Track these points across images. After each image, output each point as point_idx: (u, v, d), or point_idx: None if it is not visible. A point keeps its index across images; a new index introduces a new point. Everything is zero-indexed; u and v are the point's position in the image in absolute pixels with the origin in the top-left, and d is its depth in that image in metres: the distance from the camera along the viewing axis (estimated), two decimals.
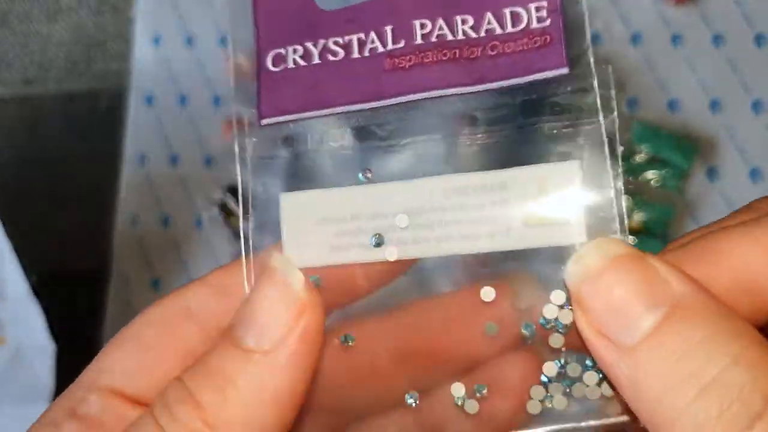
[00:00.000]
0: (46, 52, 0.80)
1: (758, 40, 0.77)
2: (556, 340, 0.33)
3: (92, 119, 0.79)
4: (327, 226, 0.34)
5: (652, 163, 0.79)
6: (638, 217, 0.81)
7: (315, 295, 0.31)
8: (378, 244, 0.35)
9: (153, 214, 0.79)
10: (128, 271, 0.77)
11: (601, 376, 0.33)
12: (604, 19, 0.80)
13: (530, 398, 0.33)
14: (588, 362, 0.33)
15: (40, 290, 0.71)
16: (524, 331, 0.34)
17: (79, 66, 0.79)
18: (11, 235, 0.72)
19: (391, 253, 0.35)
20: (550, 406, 0.33)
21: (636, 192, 0.80)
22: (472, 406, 0.34)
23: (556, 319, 0.33)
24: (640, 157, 0.80)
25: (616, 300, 0.27)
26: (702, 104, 0.78)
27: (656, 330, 0.26)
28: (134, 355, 0.32)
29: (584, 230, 0.33)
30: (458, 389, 0.34)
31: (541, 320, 0.33)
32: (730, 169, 0.77)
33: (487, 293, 0.34)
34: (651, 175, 0.80)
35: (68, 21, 0.80)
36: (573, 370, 0.33)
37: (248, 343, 0.29)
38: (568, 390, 0.33)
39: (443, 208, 0.35)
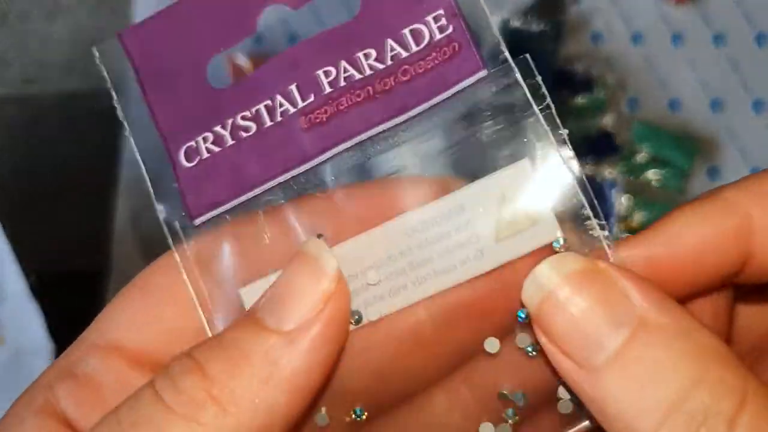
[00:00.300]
0: (46, 51, 0.80)
1: (759, 39, 0.76)
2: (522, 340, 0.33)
3: (92, 119, 0.80)
4: None
5: (652, 162, 0.79)
6: (639, 216, 0.81)
7: (344, 283, 0.30)
8: (358, 321, 0.34)
9: (153, 213, 0.79)
10: (128, 271, 0.77)
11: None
12: (605, 19, 0.79)
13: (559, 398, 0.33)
14: None
15: (40, 290, 0.71)
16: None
17: (78, 66, 0.79)
18: (11, 235, 0.73)
19: (372, 314, 0.34)
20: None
21: (637, 191, 0.80)
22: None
23: None
24: (641, 157, 0.79)
25: (577, 319, 0.27)
26: (703, 104, 0.77)
27: (620, 353, 0.26)
28: (139, 303, 0.31)
29: (556, 225, 0.33)
30: (524, 339, 0.33)
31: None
32: (731, 169, 0.76)
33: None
34: (652, 175, 0.79)
35: (67, 21, 0.80)
36: None
37: (270, 323, 0.28)
38: None
39: (409, 249, 0.34)
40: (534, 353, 0.33)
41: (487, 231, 0.34)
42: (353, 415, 0.35)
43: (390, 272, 0.34)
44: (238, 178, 0.34)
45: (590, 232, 0.32)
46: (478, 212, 0.34)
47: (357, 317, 0.34)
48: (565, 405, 0.33)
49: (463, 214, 0.34)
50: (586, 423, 0.33)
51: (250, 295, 0.35)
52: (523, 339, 0.33)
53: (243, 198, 0.34)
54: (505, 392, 0.34)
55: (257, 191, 0.34)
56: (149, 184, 0.35)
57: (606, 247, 0.32)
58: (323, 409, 0.34)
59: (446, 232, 0.34)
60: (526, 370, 0.33)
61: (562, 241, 0.33)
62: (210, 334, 0.35)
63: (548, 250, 0.33)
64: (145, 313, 0.32)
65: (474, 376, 0.34)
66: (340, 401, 0.35)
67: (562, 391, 0.33)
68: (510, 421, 0.34)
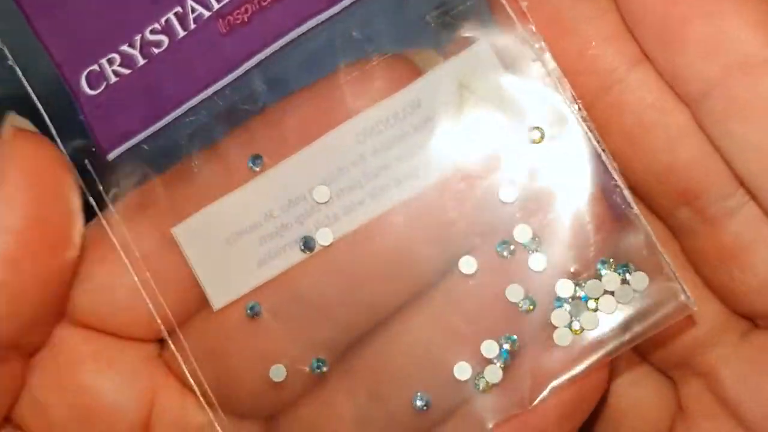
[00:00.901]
0: None
1: None
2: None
3: None
4: (241, 241, 0.30)
5: None
6: None
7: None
8: (307, 246, 0.29)
9: None
10: None
11: (623, 270, 0.28)
12: None
13: (555, 327, 0.29)
14: (601, 269, 0.28)
15: None
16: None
17: None
18: None
19: (325, 237, 0.29)
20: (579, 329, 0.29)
21: None
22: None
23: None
24: None
25: None
26: None
27: None
28: None
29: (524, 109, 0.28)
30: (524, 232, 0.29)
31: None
32: None
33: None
34: None
35: None
36: (590, 288, 0.29)
37: None
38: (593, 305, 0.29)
39: (362, 158, 0.29)
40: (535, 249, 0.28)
41: (449, 126, 0.28)
42: (312, 368, 0.30)
43: (342, 187, 0.29)
44: (154, 101, 0.30)
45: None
46: (436, 106, 0.28)
47: (307, 244, 0.29)
48: (562, 334, 0.28)
49: (419, 109, 0.29)
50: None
51: (185, 234, 0.30)
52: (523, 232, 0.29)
53: (161, 123, 0.30)
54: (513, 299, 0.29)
55: (177, 113, 0.30)
56: (48, 121, 0.30)
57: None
58: (282, 364, 0.30)
59: (402, 133, 0.29)
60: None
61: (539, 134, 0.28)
62: (143, 292, 0.30)
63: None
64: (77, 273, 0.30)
65: (455, 292, 0.29)
66: (300, 350, 0.30)
67: (556, 316, 0.28)
68: (499, 363, 0.29)
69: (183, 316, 0.31)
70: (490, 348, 0.29)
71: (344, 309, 0.30)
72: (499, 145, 0.29)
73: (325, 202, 0.29)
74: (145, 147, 0.30)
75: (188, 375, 0.30)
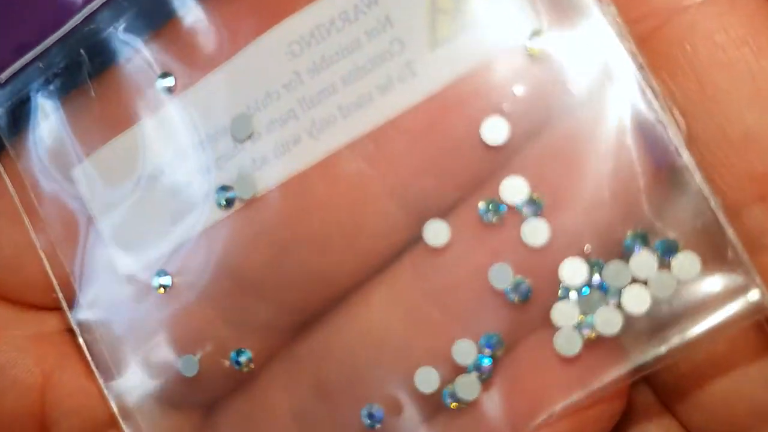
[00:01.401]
0: None
1: None
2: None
3: None
4: (151, 189, 0.23)
5: None
6: None
7: None
8: (226, 200, 0.22)
9: None
10: None
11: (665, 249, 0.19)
12: None
13: (557, 328, 0.20)
14: (631, 246, 0.19)
15: None
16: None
17: None
18: None
19: (246, 187, 0.22)
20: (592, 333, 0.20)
21: None
22: None
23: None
24: None
25: None
26: None
27: None
28: None
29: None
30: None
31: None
32: None
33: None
34: None
35: None
36: (612, 273, 0.19)
37: None
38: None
39: (299, 78, 0.21)
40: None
41: (417, 33, 0.20)
42: (232, 361, 0.22)
43: (272, 119, 0.21)
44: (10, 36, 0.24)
45: None
46: (400, 4, 0.20)
47: (225, 197, 0.22)
48: (567, 338, 0.19)
49: (375, 7, 0.20)
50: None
51: (85, 178, 0.23)
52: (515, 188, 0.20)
53: (27, 57, 0.24)
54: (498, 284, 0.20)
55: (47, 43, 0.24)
56: None
57: None
58: (195, 355, 0.22)
59: (353, 42, 0.20)
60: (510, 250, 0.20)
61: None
62: (39, 246, 0.24)
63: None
64: None
65: (422, 269, 0.21)
66: (222, 337, 0.23)
67: (559, 312, 0.19)
68: (478, 373, 0.20)
69: (87, 282, 0.24)
70: (464, 351, 0.20)
71: (280, 285, 0.22)
72: (483, 60, 0.20)
73: (248, 139, 0.21)
74: (40, 65, 0.23)
75: (88, 354, 0.24)
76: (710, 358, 0.22)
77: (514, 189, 0.19)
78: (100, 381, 0.24)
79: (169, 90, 0.22)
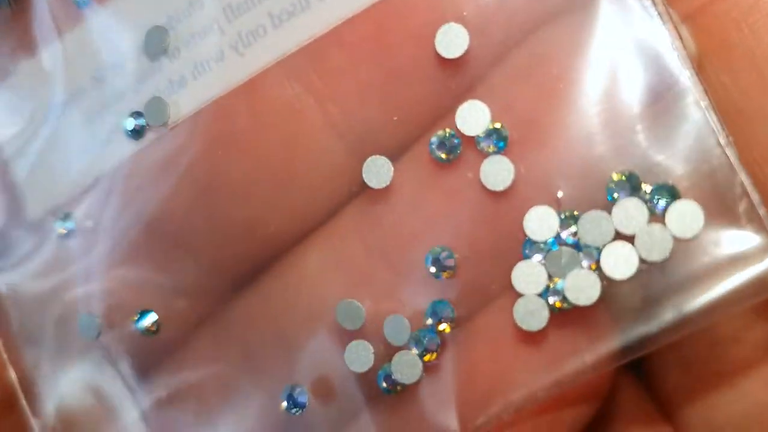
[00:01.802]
0: None
1: None
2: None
3: None
4: (67, 118, 0.19)
5: None
6: None
7: None
8: (136, 129, 0.18)
9: None
10: None
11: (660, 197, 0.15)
12: None
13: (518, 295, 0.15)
14: (615, 191, 0.15)
15: None
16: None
17: None
18: None
19: (157, 113, 0.18)
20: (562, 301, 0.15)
21: None
22: None
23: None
24: None
25: None
26: None
27: None
28: None
29: None
30: None
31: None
32: None
33: None
34: None
35: None
36: (590, 226, 0.15)
37: None
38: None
39: None
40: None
41: None
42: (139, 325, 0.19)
43: (193, 32, 0.18)
44: None
45: None
46: None
47: (134, 125, 0.18)
48: (531, 307, 0.15)
49: None
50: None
51: None
52: (473, 112, 0.15)
53: None
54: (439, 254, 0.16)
55: None
56: None
57: None
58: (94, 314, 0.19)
59: None
60: (464, 205, 0.16)
61: None
62: None
63: None
64: None
65: (368, 212, 0.17)
66: (130, 295, 0.19)
67: (522, 274, 0.15)
68: (416, 349, 0.16)
69: None
70: (401, 323, 0.16)
71: (204, 238, 0.18)
72: None
73: (163, 55, 0.18)
74: None
75: None
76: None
77: (472, 117, 0.15)
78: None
79: (83, 5, 0.19)
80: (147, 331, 0.19)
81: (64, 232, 0.19)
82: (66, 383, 0.20)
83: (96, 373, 0.20)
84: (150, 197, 0.18)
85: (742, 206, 0.14)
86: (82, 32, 0.19)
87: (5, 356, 0.20)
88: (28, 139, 0.20)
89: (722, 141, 0.14)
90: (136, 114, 0.18)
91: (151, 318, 0.19)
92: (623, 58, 0.15)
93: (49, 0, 0.19)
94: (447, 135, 0.16)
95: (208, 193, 0.18)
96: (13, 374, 0.20)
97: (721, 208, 0.14)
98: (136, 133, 0.18)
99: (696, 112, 0.14)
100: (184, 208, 0.18)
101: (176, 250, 0.19)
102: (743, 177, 0.14)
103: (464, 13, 0.15)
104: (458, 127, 0.16)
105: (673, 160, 0.15)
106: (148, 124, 0.18)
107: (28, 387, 0.20)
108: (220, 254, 0.19)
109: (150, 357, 0.20)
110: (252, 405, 0.19)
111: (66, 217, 0.19)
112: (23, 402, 0.20)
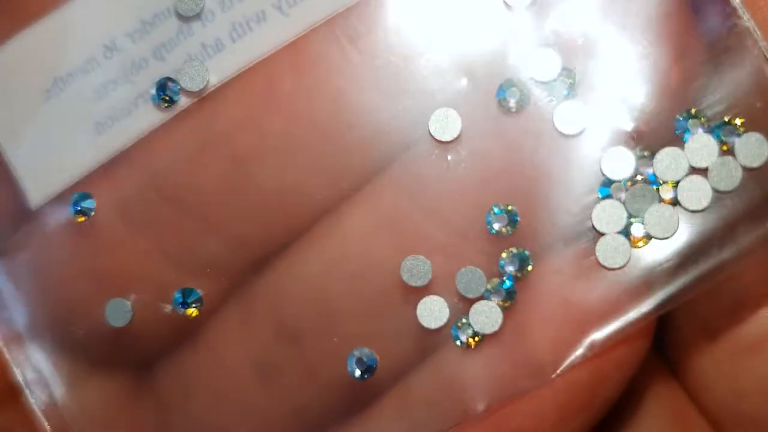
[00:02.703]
0: None
1: None
2: None
3: None
4: (68, 92, 0.18)
5: None
6: None
7: None
8: (167, 96, 0.17)
9: None
10: None
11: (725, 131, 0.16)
12: None
13: (599, 234, 0.16)
14: (685, 127, 0.16)
15: None
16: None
17: None
18: None
19: (195, 77, 0.17)
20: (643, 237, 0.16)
21: None
22: None
23: None
24: None
25: None
26: None
27: None
28: None
29: None
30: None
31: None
32: None
33: None
34: None
35: None
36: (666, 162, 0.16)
37: None
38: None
39: None
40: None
41: None
42: (174, 305, 0.18)
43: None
44: None
45: None
46: None
47: (165, 92, 0.17)
48: (614, 245, 0.16)
49: None
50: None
51: None
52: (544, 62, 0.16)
53: None
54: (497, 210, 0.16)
55: None
56: None
57: None
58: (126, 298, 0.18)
59: None
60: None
61: None
62: None
63: None
64: None
65: (422, 170, 0.17)
66: (161, 275, 0.18)
67: (603, 213, 0.16)
68: (496, 298, 0.17)
69: None
70: (476, 274, 0.16)
71: (234, 210, 0.17)
72: None
73: (197, 17, 0.17)
74: None
75: None
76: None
77: (542, 63, 0.16)
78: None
79: None
80: (187, 310, 0.18)
81: (79, 210, 0.18)
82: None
83: None
84: (178, 169, 0.17)
85: None
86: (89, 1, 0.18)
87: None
88: (24, 118, 0.18)
89: None
90: (168, 79, 0.17)
91: (193, 301, 0.18)
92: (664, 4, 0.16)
93: None
94: (516, 84, 0.16)
95: (243, 161, 0.17)
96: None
97: None
98: (167, 101, 0.17)
99: (752, 51, 0.16)
100: (215, 179, 0.17)
101: (203, 224, 0.18)
102: None
103: None
104: (530, 74, 0.16)
105: (733, 98, 0.16)
106: (182, 89, 0.17)
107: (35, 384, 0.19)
108: (253, 226, 0.18)
109: (177, 338, 0.19)
110: (296, 378, 0.18)
111: (81, 196, 0.18)
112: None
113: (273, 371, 0.18)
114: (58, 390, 0.18)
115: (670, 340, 0.19)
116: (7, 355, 0.18)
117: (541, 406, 0.17)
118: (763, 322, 0.18)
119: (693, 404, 0.19)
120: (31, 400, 0.18)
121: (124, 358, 0.19)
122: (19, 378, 0.18)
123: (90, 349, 0.19)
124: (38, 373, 0.18)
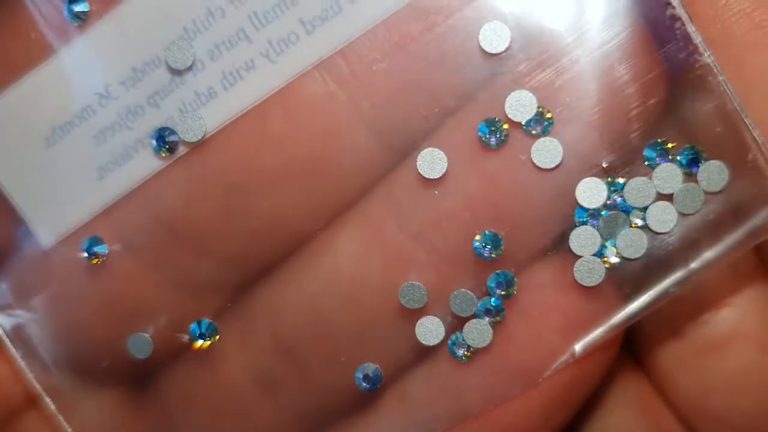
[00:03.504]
0: None
1: None
2: None
3: None
4: (68, 139, 0.19)
5: None
6: None
7: None
8: (165, 144, 0.18)
9: None
10: None
11: (689, 159, 0.17)
12: None
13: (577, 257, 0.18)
14: (651, 157, 0.17)
15: None
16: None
17: None
18: None
19: (193, 128, 0.18)
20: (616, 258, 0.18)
21: None
22: None
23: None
24: None
25: None
26: None
27: None
28: None
29: None
30: None
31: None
32: None
33: None
34: None
35: None
36: (636, 190, 0.17)
37: None
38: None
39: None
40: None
41: None
42: (192, 335, 0.19)
43: (217, 42, 0.18)
44: None
45: None
46: None
47: (165, 141, 0.18)
48: (590, 266, 0.17)
49: None
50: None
51: None
52: (522, 102, 0.17)
53: None
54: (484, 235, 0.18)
55: None
56: None
57: None
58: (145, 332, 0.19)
59: None
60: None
61: None
62: None
63: None
64: None
65: (407, 197, 0.18)
66: (172, 302, 0.19)
67: (579, 238, 0.17)
68: (487, 317, 0.18)
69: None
70: (466, 296, 0.18)
71: (228, 233, 0.19)
72: None
73: (189, 69, 0.18)
74: None
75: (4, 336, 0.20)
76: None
77: (520, 104, 0.17)
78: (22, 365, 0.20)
79: (81, 17, 0.18)
80: (206, 338, 0.19)
81: (93, 254, 0.19)
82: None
83: None
84: (179, 205, 0.19)
85: (751, 158, 0.17)
86: (83, 46, 0.18)
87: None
88: (25, 166, 0.19)
89: (736, 106, 0.17)
90: (165, 130, 0.18)
91: (210, 332, 0.19)
92: (644, 39, 0.17)
93: (41, 14, 0.18)
94: (497, 122, 0.17)
95: (238, 190, 0.18)
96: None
97: (743, 163, 0.17)
98: (168, 149, 0.18)
99: (712, 84, 0.17)
100: (212, 208, 0.18)
101: (198, 249, 0.19)
102: (756, 136, 0.17)
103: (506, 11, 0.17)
104: (507, 114, 0.17)
105: (695, 128, 0.17)
106: (181, 140, 0.18)
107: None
108: (246, 247, 0.19)
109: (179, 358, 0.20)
110: (296, 389, 0.20)
111: (93, 241, 0.19)
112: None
113: (273, 383, 0.20)
114: (62, 403, 0.20)
115: (635, 336, 0.21)
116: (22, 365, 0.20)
117: (528, 405, 0.18)
118: (725, 321, 0.20)
119: (659, 397, 0.21)
120: (52, 407, 0.20)
121: (132, 370, 0.20)
122: (37, 387, 0.20)
123: (112, 375, 0.20)
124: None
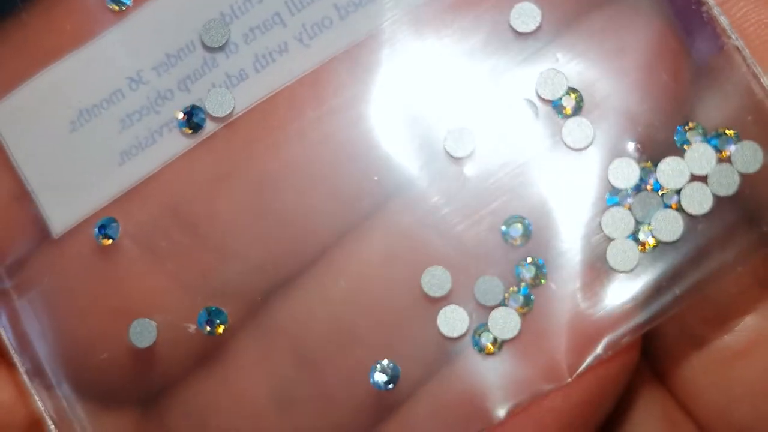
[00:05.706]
0: None
1: None
2: None
3: None
4: (93, 123, 0.19)
5: None
6: None
7: None
8: (193, 124, 0.18)
9: None
10: None
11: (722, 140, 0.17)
12: None
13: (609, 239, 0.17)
14: (684, 138, 0.17)
15: None
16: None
17: None
18: None
19: (222, 104, 0.18)
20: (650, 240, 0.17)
21: None
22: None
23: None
24: None
25: None
26: None
27: None
28: None
29: None
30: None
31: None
32: None
33: None
34: None
35: None
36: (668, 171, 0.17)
37: None
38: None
39: None
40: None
41: None
42: (200, 325, 0.18)
43: (252, 26, 0.18)
44: None
45: None
46: None
47: (192, 119, 0.18)
48: (623, 250, 0.17)
49: None
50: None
51: (8, 117, 0.19)
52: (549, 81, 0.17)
53: None
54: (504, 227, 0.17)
55: None
56: None
57: None
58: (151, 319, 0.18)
59: None
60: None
61: None
62: None
63: None
64: None
65: (439, 182, 0.18)
66: (183, 297, 0.18)
67: (611, 220, 0.17)
68: (514, 304, 0.17)
69: (9, 250, 0.19)
70: (493, 283, 0.17)
71: (252, 236, 0.18)
72: None
73: (223, 48, 0.18)
74: None
75: (8, 342, 0.19)
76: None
77: (547, 82, 0.17)
78: (25, 379, 0.19)
79: (122, 5, 0.18)
80: (213, 331, 0.18)
81: (104, 235, 0.18)
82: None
83: None
84: (198, 197, 0.18)
85: None
86: (116, 31, 0.19)
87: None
88: (46, 148, 0.19)
89: (765, 82, 0.17)
90: (193, 108, 0.18)
91: (219, 321, 0.18)
92: (672, 23, 0.17)
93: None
94: (529, 101, 0.17)
95: (263, 186, 0.18)
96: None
97: None
98: (194, 127, 0.18)
99: (740, 67, 0.17)
100: (235, 204, 0.18)
101: (220, 251, 0.18)
102: None
103: None
104: (538, 92, 0.17)
105: (725, 110, 0.17)
106: (208, 115, 0.18)
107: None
108: (271, 251, 0.18)
109: (196, 362, 0.19)
110: (315, 404, 0.18)
111: (106, 221, 0.18)
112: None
113: (291, 400, 0.18)
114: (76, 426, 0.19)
115: (655, 348, 0.20)
116: (30, 388, 0.19)
117: (544, 420, 0.17)
118: (748, 329, 0.19)
119: (682, 410, 0.20)
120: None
121: (141, 385, 0.19)
122: (42, 410, 0.19)
123: (110, 375, 0.19)
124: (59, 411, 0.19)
